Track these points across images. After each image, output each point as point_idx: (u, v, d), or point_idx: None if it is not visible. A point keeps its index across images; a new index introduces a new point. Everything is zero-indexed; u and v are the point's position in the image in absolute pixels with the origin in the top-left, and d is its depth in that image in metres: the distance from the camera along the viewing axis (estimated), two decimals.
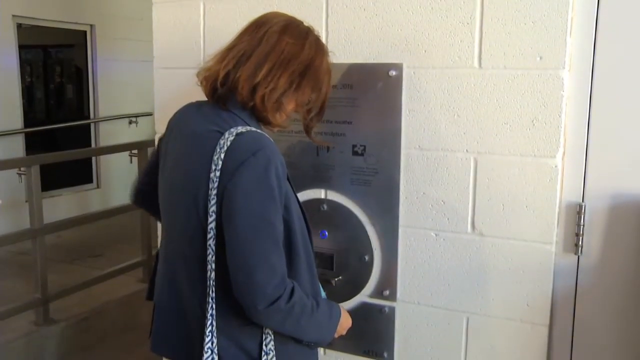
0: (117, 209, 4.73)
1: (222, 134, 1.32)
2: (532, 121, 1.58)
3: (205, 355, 1.36)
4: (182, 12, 1.99)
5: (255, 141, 1.31)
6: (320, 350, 1.94)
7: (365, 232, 1.81)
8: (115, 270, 4.11)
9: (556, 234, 1.62)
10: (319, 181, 1.85)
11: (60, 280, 3.84)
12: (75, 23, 6.27)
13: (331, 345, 1.66)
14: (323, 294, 1.62)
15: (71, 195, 6.26)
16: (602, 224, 1.62)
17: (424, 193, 1.73)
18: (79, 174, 6.46)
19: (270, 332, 1.40)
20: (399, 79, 1.71)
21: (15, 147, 5.59)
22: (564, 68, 1.54)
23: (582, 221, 1.61)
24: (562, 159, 1.59)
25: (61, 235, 4.87)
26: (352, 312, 1.84)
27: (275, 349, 1.40)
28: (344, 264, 1.85)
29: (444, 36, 1.65)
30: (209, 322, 1.36)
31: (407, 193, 1.75)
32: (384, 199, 1.77)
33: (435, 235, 1.74)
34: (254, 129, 1.35)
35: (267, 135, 1.36)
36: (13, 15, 5.57)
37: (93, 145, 6.58)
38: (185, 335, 1.44)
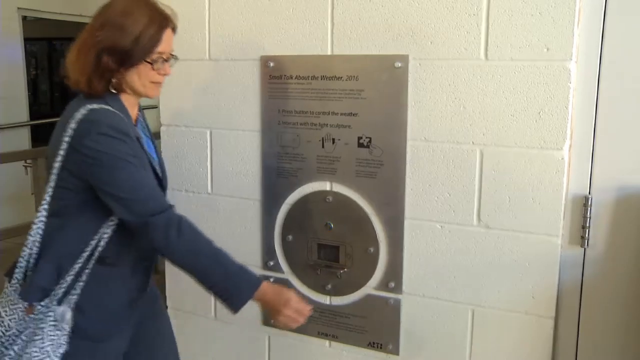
0: None
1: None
2: (539, 113, 1.57)
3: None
4: (187, 3, 1.98)
5: (97, 112, 1.45)
6: (325, 343, 1.95)
7: (371, 224, 1.81)
8: None
9: (562, 227, 1.61)
10: (324, 173, 1.85)
11: None
12: (80, 15, 6.26)
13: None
14: None
15: None
16: (608, 217, 1.61)
17: (429, 185, 1.73)
18: None
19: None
20: (404, 70, 1.70)
21: (21, 140, 5.60)
22: (571, 59, 1.53)
23: (588, 213, 1.61)
24: (569, 151, 1.58)
25: None
26: (358, 304, 1.86)
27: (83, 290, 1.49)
28: (350, 256, 1.85)
29: (450, 27, 1.64)
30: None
31: (412, 185, 1.75)
32: (390, 191, 1.77)
33: (441, 227, 1.74)
34: (106, 107, 1.48)
35: (119, 113, 1.49)
36: (18, 8, 5.57)
37: None
38: None
